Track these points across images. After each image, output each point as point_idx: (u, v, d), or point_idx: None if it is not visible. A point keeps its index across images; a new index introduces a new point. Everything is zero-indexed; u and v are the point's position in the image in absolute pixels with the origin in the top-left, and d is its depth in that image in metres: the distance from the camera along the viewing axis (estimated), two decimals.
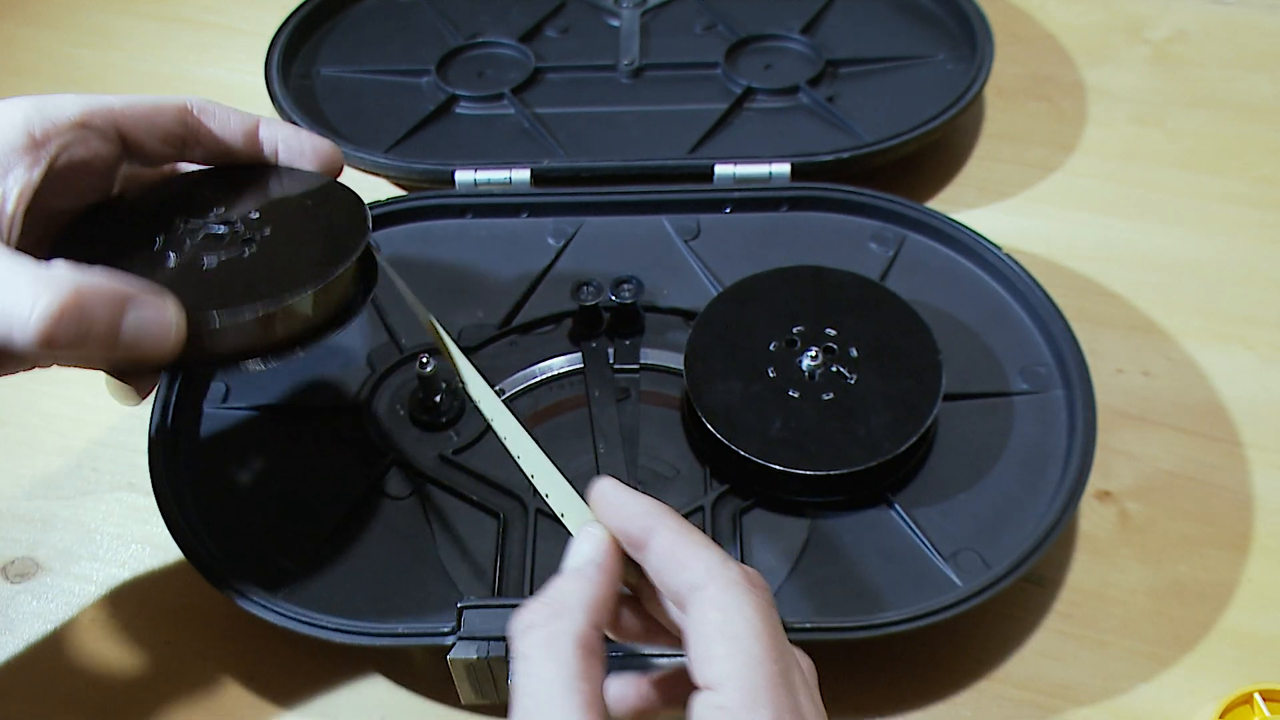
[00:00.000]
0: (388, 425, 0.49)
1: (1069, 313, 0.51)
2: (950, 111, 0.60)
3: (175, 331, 0.36)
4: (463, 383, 0.40)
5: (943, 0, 0.68)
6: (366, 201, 0.45)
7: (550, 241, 0.56)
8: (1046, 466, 0.47)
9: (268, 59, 0.65)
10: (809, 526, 0.45)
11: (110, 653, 0.46)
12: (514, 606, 0.40)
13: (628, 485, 0.33)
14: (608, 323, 0.52)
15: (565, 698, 0.29)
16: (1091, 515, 0.49)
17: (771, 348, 0.48)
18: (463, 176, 0.58)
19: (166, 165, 0.44)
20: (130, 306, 0.35)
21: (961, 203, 0.62)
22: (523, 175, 0.58)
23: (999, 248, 0.54)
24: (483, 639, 0.40)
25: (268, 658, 0.46)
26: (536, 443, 0.37)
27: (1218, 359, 0.54)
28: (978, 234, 0.54)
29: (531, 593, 0.44)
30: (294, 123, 0.62)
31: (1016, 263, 0.53)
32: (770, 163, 0.57)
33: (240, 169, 0.44)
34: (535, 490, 0.46)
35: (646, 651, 0.38)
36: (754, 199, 0.57)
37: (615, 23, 0.69)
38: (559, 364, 0.51)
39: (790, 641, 0.32)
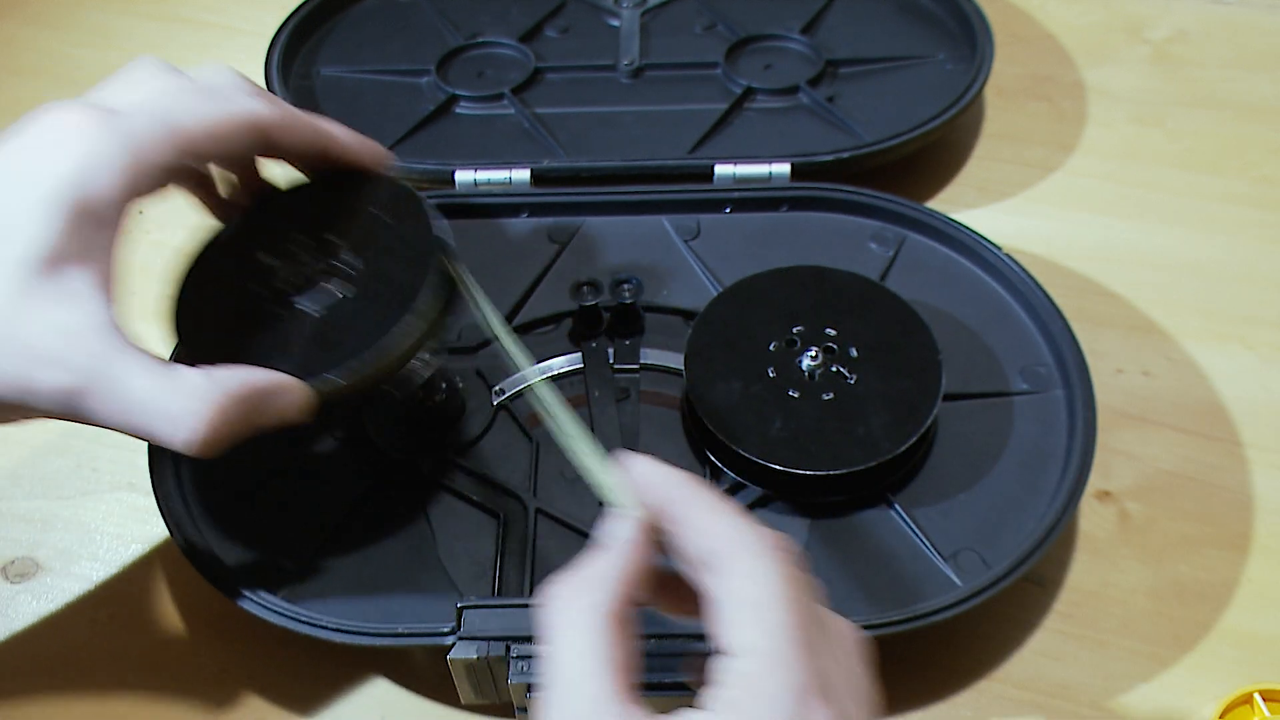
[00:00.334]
0: (388, 425, 0.49)
1: (1069, 313, 0.51)
2: (950, 111, 0.60)
3: (305, 410, 0.39)
4: (509, 356, 0.41)
5: (943, 0, 0.68)
6: None
7: (550, 241, 0.56)
8: (1046, 466, 0.47)
9: (268, 59, 0.65)
10: (809, 526, 0.45)
11: (110, 653, 0.46)
12: (514, 607, 0.41)
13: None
14: (608, 323, 0.52)
15: (595, 665, 0.29)
16: (1091, 515, 0.49)
17: (771, 348, 0.48)
18: (463, 176, 0.58)
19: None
20: (265, 401, 0.38)
21: (961, 203, 0.62)
22: (523, 175, 0.58)
23: (999, 248, 0.54)
24: (483, 639, 0.40)
25: (268, 658, 0.46)
26: (581, 424, 0.37)
27: (1218, 359, 0.54)
28: (978, 234, 0.54)
29: (531, 593, 0.44)
30: None
31: (1016, 263, 0.53)
32: (770, 163, 0.57)
33: (312, 185, 0.45)
34: (536, 490, 0.47)
35: (677, 631, 0.38)
36: (754, 199, 0.57)
37: (615, 23, 0.69)
38: (559, 364, 0.51)
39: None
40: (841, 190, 0.56)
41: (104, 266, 0.37)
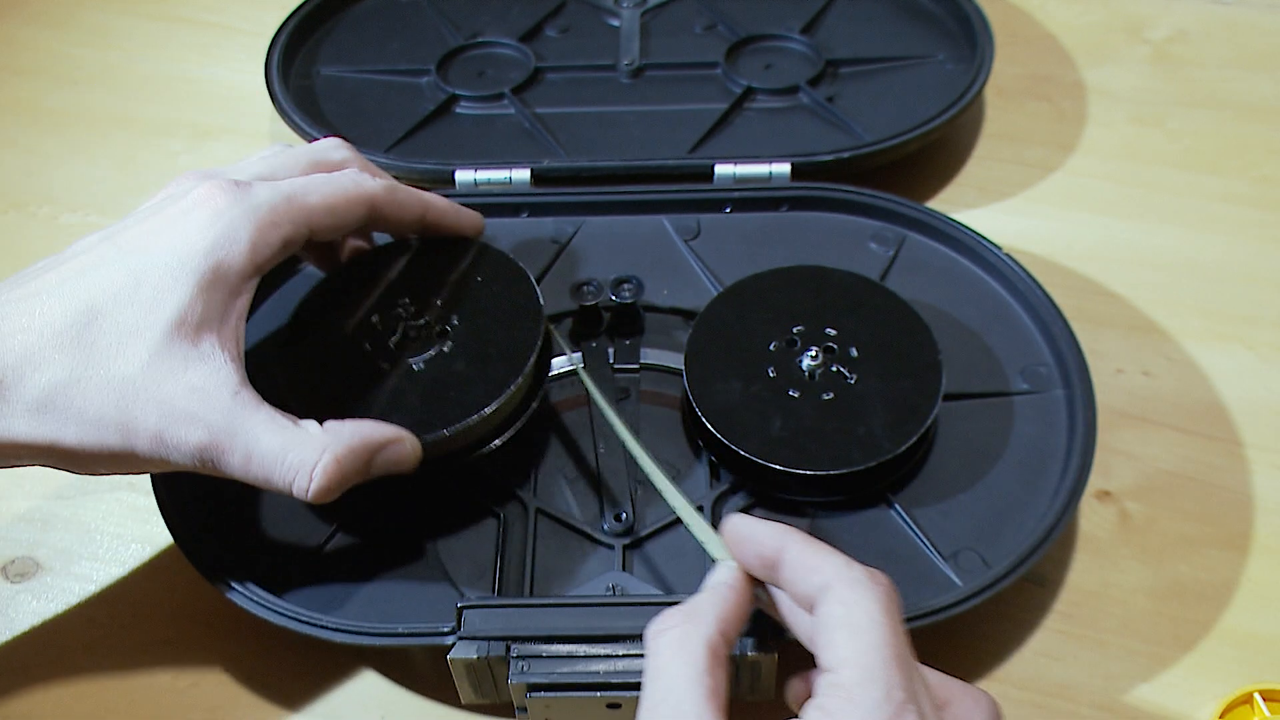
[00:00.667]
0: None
1: (1069, 313, 0.51)
2: (950, 111, 0.60)
3: (414, 462, 0.42)
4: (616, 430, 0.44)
5: (943, 0, 0.68)
6: None
7: (550, 241, 0.56)
8: (1046, 466, 0.47)
9: (268, 59, 0.65)
10: (809, 526, 0.45)
11: (110, 652, 0.46)
12: (514, 606, 0.41)
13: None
14: (608, 322, 0.52)
15: (691, 689, 0.32)
16: (1091, 515, 0.49)
17: (771, 348, 0.48)
18: (463, 176, 0.58)
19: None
20: (380, 454, 0.41)
21: (961, 203, 0.62)
22: (523, 175, 0.58)
23: (999, 248, 0.54)
24: (483, 639, 0.40)
25: (268, 658, 0.46)
26: (672, 483, 0.41)
27: (1218, 359, 0.54)
28: (978, 234, 0.54)
29: (531, 593, 0.44)
30: (294, 123, 0.62)
31: (1016, 263, 0.53)
32: (770, 162, 0.57)
33: (411, 245, 0.49)
34: (536, 490, 0.47)
35: None
36: (754, 199, 0.57)
37: (615, 23, 0.69)
38: (559, 364, 0.51)
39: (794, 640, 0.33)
40: (841, 190, 0.56)
41: (233, 331, 0.40)
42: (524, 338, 0.46)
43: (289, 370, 0.46)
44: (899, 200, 0.56)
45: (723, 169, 0.57)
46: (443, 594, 0.44)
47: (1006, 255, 0.53)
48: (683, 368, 0.48)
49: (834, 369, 0.48)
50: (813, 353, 0.48)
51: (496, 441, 0.46)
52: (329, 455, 0.39)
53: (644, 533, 0.46)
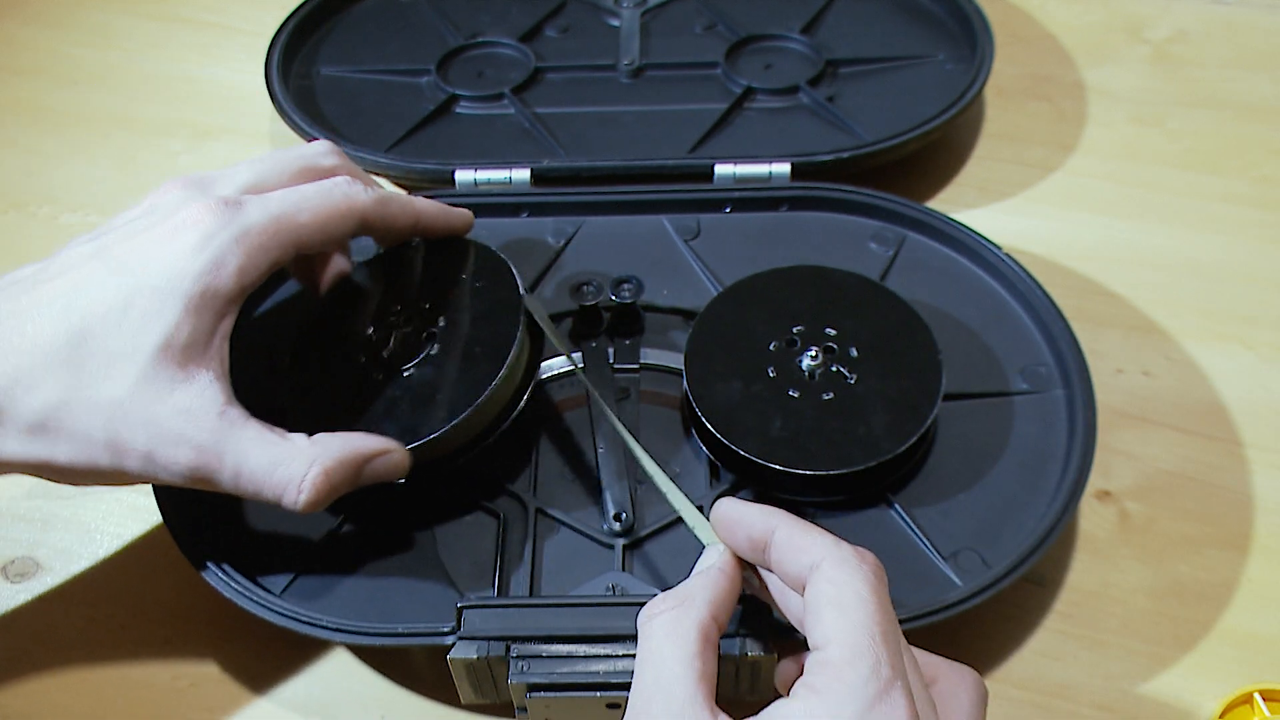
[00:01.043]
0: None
1: (1069, 313, 0.51)
2: (950, 111, 0.60)
3: (403, 472, 0.42)
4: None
5: (943, 0, 0.68)
6: None
7: (550, 241, 0.56)
8: (1046, 466, 0.47)
9: (268, 59, 0.65)
10: None
11: (110, 652, 0.46)
12: (514, 606, 0.41)
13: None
14: (608, 322, 0.52)
15: (684, 673, 0.33)
16: (1091, 515, 0.49)
17: (771, 348, 0.48)
18: (463, 176, 0.58)
19: None
20: (368, 465, 0.41)
21: (961, 203, 0.62)
22: (523, 175, 0.58)
23: (999, 248, 0.54)
24: (483, 639, 0.40)
25: (268, 658, 0.46)
26: (663, 470, 0.41)
27: (1218, 359, 0.54)
28: (978, 234, 0.54)
29: (532, 593, 0.44)
30: (294, 123, 0.62)
31: (1016, 263, 0.53)
32: (770, 162, 0.57)
33: (394, 251, 0.49)
34: (535, 490, 0.47)
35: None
36: (754, 199, 0.57)
37: (615, 23, 0.69)
38: (559, 363, 0.51)
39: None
40: (841, 190, 0.56)
41: (218, 351, 0.41)
42: (506, 331, 0.45)
43: (279, 383, 0.46)
44: (899, 200, 0.56)
45: (723, 169, 0.57)
46: (443, 594, 0.44)
47: (1006, 255, 0.53)
48: (683, 368, 0.48)
49: (834, 369, 0.48)
50: (813, 353, 0.48)
51: (491, 439, 0.45)
52: (317, 468, 0.40)
53: (644, 533, 0.46)
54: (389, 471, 0.42)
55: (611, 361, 0.51)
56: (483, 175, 0.58)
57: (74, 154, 0.67)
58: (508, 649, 0.40)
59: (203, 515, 0.46)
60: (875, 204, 0.56)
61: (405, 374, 0.45)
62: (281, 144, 0.67)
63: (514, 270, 0.47)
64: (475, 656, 0.40)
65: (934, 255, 0.55)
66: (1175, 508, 0.49)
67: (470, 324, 0.46)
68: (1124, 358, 0.54)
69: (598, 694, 0.39)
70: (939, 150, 0.64)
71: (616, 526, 0.46)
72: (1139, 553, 0.48)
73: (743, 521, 0.36)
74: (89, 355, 0.38)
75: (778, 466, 0.45)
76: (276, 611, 0.42)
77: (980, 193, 0.63)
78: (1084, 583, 0.47)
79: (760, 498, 0.46)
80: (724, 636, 0.37)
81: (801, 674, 0.33)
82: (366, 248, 0.50)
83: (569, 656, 0.39)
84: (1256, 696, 0.42)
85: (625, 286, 0.52)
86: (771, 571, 0.36)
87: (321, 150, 0.46)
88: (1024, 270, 0.52)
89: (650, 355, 0.51)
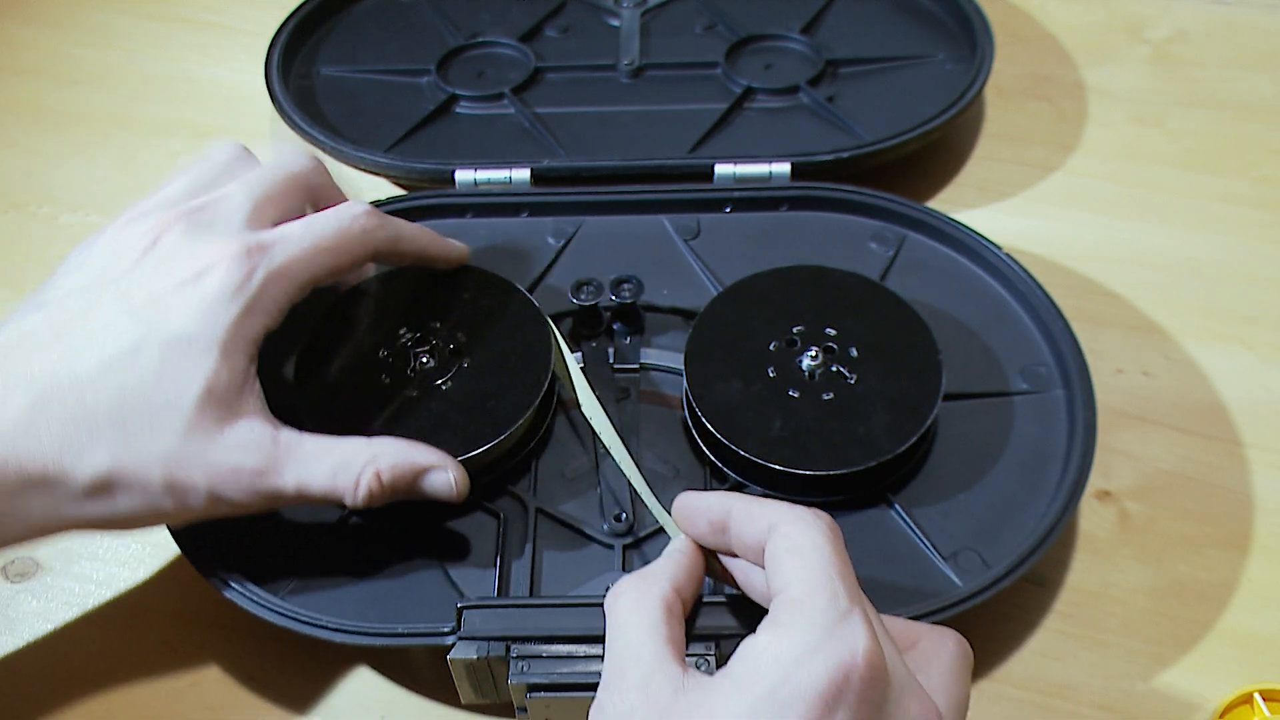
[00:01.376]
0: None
1: (1069, 313, 0.51)
2: (950, 111, 0.60)
3: (461, 490, 0.43)
4: (580, 407, 0.46)
5: (943, 0, 0.68)
6: (369, 200, 0.52)
7: (550, 241, 0.56)
8: (1046, 466, 0.47)
9: (268, 59, 0.65)
10: None
11: (110, 653, 0.46)
12: (514, 607, 0.41)
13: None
14: (607, 322, 0.52)
15: (650, 637, 0.34)
16: (1091, 515, 0.49)
17: (771, 347, 0.48)
18: (463, 176, 0.58)
19: None
20: (424, 478, 0.42)
21: (961, 203, 0.62)
22: (523, 175, 0.58)
23: (999, 248, 0.54)
24: (483, 639, 0.40)
25: (268, 658, 0.46)
26: (636, 464, 0.44)
27: (1218, 359, 0.54)
28: (978, 234, 0.54)
29: (532, 592, 0.44)
30: (294, 123, 0.62)
31: (1016, 263, 0.53)
32: (770, 162, 0.57)
33: (404, 274, 0.51)
34: (536, 490, 0.47)
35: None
36: (754, 199, 0.57)
37: (615, 23, 0.69)
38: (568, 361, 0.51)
39: None
40: (841, 190, 0.56)
41: (254, 383, 0.42)
42: (536, 353, 0.48)
43: (303, 401, 0.47)
44: (899, 200, 0.56)
45: (723, 169, 0.57)
46: (443, 594, 0.44)
47: (1006, 255, 0.53)
48: (683, 368, 0.48)
49: (834, 369, 0.48)
50: (813, 353, 0.48)
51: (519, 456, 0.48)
52: (371, 469, 0.41)
53: (644, 533, 0.46)
54: (445, 489, 0.43)
55: (611, 361, 0.51)
56: (483, 175, 0.58)
57: (74, 154, 0.67)
58: (508, 649, 0.40)
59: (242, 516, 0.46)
60: (875, 204, 0.56)
61: (432, 392, 0.47)
62: (282, 144, 0.67)
63: (522, 288, 0.50)
64: (475, 657, 0.40)
65: (934, 255, 0.55)
66: (1175, 508, 0.49)
67: (494, 340, 0.48)
68: (1124, 358, 0.54)
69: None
70: (939, 150, 0.64)
71: (617, 527, 0.46)
72: (1139, 553, 0.48)
73: (700, 508, 0.38)
74: (132, 413, 0.39)
75: (778, 466, 0.45)
76: (277, 612, 0.42)
77: (980, 193, 0.63)
78: (1084, 583, 0.47)
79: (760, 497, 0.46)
80: (696, 638, 0.38)
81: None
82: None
83: (569, 657, 0.39)
84: (1256, 696, 0.42)
85: (625, 286, 0.52)
86: (734, 556, 0.38)
87: (304, 165, 0.46)
88: (1024, 270, 0.53)
89: (650, 355, 0.51)
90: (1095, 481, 0.50)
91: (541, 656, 0.39)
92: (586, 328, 0.52)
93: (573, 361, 0.47)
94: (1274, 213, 0.61)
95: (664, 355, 0.51)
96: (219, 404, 0.40)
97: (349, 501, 0.41)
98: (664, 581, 0.36)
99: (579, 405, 0.46)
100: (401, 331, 0.48)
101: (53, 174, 0.66)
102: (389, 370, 0.47)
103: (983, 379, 0.50)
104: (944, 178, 0.64)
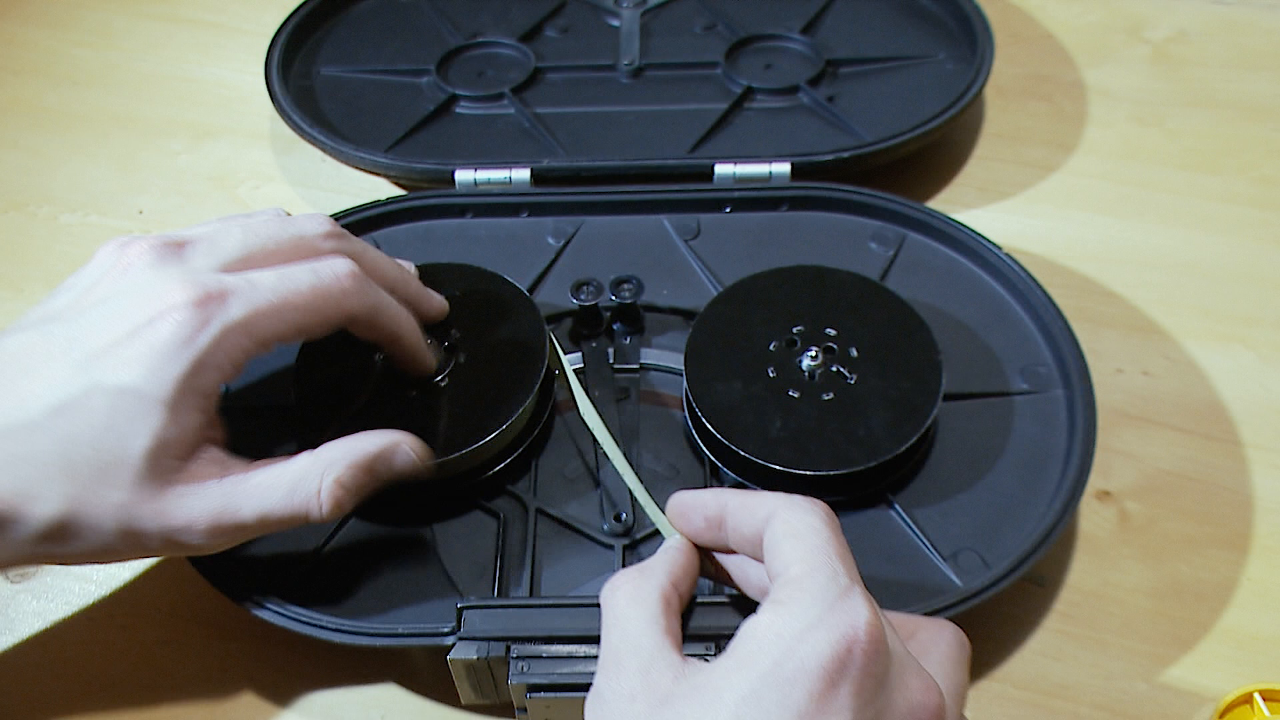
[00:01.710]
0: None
1: (1069, 313, 0.51)
2: (950, 111, 0.60)
3: (420, 459, 0.42)
4: (580, 413, 0.45)
5: (942, 0, 0.68)
6: (368, 201, 0.55)
7: (550, 241, 0.56)
8: (1046, 466, 0.47)
9: (268, 59, 0.65)
10: None
11: (110, 653, 0.46)
12: (514, 607, 0.41)
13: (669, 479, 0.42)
14: (607, 322, 0.52)
15: (649, 628, 0.34)
16: (1091, 515, 0.49)
17: (771, 348, 0.48)
18: (463, 176, 0.58)
19: None
20: (380, 462, 0.41)
21: (961, 203, 0.62)
22: (523, 175, 0.58)
23: (999, 248, 0.54)
24: (483, 639, 0.40)
25: (268, 658, 0.46)
26: (632, 467, 0.43)
27: (1218, 359, 0.54)
28: (978, 234, 0.54)
29: (532, 593, 0.44)
30: (294, 123, 0.62)
31: (1016, 263, 0.53)
32: (770, 162, 0.57)
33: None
34: (535, 490, 0.47)
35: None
36: (754, 199, 0.57)
37: (615, 23, 0.69)
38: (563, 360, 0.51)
39: None
40: (841, 190, 0.56)
41: (209, 428, 0.40)
42: (531, 354, 0.47)
43: (303, 403, 0.47)
44: (899, 200, 0.56)
45: (723, 169, 0.57)
46: (443, 594, 0.44)
47: (1006, 255, 0.53)
48: (683, 368, 0.48)
49: (834, 369, 0.48)
50: (813, 353, 0.48)
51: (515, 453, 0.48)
52: (329, 479, 0.40)
53: (643, 533, 0.46)
54: (406, 464, 0.42)
55: (611, 362, 0.51)
56: (483, 175, 0.58)
57: (74, 154, 0.67)
58: (508, 649, 0.40)
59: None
60: (875, 204, 0.56)
61: (428, 391, 0.47)
62: (281, 144, 0.67)
63: (519, 286, 0.50)
64: (475, 657, 0.40)
65: (934, 255, 0.55)
66: (1175, 508, 0.49)
67: (490, 338, 0.48)
68: (1124, 358, 0.54)
69: None
70: (939, 150, 0.64)
71: (617, 527, 0.46)
72: (1139, 553, 0.48)
73: (696, 504, 0.38)
74: (81, 463, 0.38)
75: (778, 467, 0.45)
76: (277, 612, 0.42)
77: (980, 193, 0.63)
78: (1084, 583, 0.47)
79: None
80: (693, 638, 0.38)
81: None
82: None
83: (569, 657, 0.39)
84: (1256, 696, 0.42)
85: (625, 286, 0.52)
86: (730, 551, 0.38)
87: (321, 230, 0.44)
88: (1024, 270, 0.53)
89: (650, 355, 0.51)
90: (1095, 481, 0.50)
91: (541, 657, 0.39)
92: (586, 328, 0.52)
93: (569, 366, 0.47)
94: (1274, 213, 0.61)
95: (664, 355, 0.51)
96: (168, 458, 0.39)
97: (315, 517, 0.40)
98: (661, 575, 0.36)
99: (578, 411, 0.46)
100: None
101: (53, 174, 0.66)
102: (386, 368, 0.47)
103: (983, 379, 0.50)
104: (944, 178, 0.64)
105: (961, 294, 0.53)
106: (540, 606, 0.41)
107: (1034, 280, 0.52)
